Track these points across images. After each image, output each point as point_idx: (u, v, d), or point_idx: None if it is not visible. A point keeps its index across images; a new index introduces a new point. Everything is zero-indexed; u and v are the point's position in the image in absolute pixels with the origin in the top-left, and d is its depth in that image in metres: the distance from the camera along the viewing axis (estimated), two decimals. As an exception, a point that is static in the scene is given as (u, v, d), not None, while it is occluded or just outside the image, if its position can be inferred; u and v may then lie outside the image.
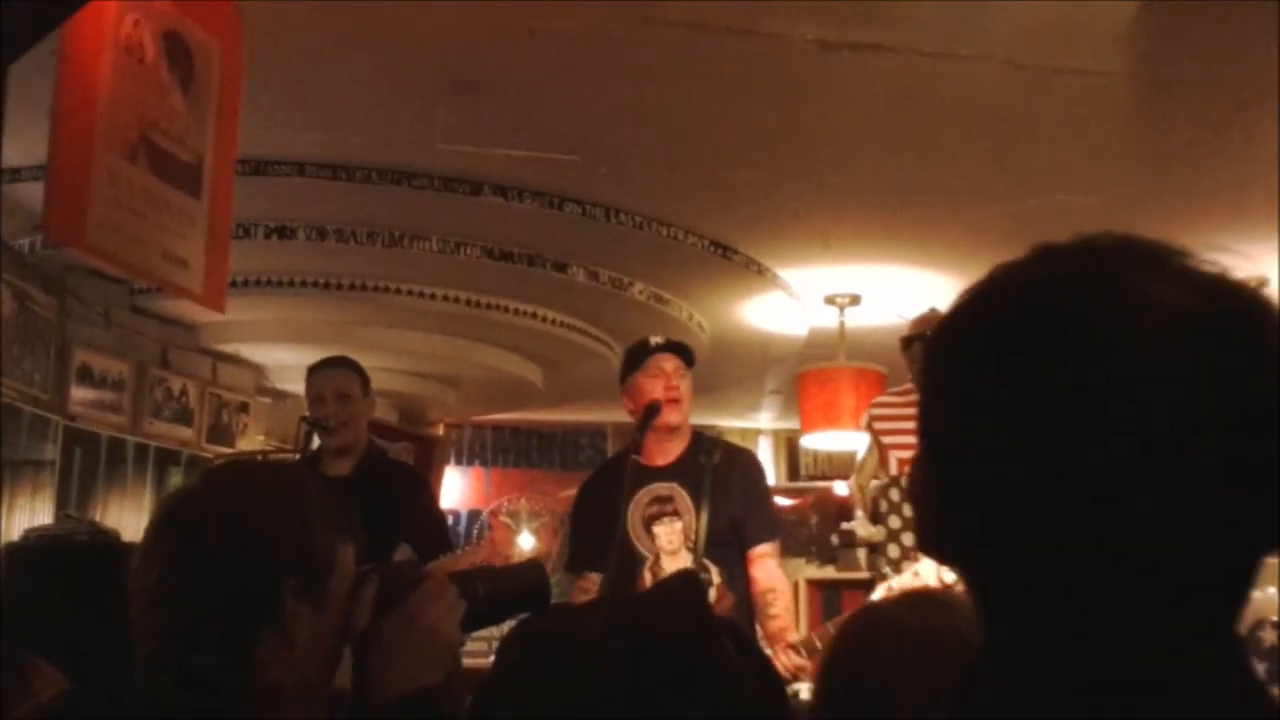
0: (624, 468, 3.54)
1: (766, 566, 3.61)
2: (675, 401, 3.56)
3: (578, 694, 0.84)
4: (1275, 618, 5.42)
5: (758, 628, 3.62)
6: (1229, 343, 0.73)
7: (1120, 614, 0.72)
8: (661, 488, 3.61)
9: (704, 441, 3.71)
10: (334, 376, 3.90)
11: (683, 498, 3.59)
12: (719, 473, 3.51)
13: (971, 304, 0.80)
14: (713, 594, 3.54)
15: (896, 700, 1.35)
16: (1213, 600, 0.74)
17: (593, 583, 3.55)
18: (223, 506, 1.42)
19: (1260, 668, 5.33)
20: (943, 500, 0.79)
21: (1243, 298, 0.75)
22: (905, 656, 1.33)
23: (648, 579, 3.57)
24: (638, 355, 3.66)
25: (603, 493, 3.64)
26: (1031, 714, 0.72)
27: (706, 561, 3.50)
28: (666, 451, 3.64)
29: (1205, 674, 0.72)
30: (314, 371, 3.95)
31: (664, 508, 3.60)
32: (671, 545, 3.58)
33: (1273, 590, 5.61)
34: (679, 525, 3.58)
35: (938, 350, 0.81)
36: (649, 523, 3.61)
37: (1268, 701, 0.74)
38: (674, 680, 0.86)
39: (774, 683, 0.94)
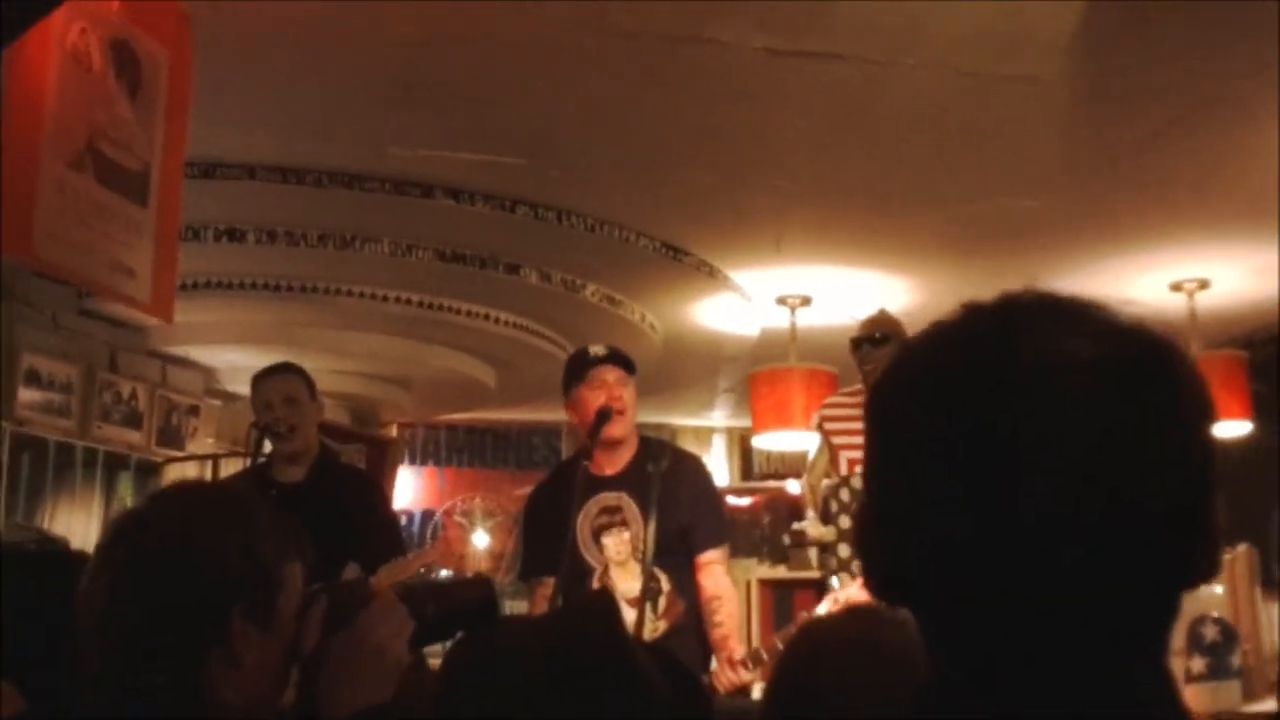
0: (574, 476, 3.52)
1: (714, 574, 3.61)
2: (619, 414, 3.55)
3: (506, 712, 0.87)
4: (1216, 614, 5.52)
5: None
6: (1145, 393, 0.77)
7: (1058, 658, 0.75)
8: (609, 498, 3.60)
9: (651, 447, 3.70)
10: (280, 382, 3.89)
11: (630, 507, 3.58)
12: (667, 480, 3.47)
13: (910, 360, 0.84)
14: (662, 602, 3.56)
15: (843, 707, 1.39)
16: (1144, 639, 0.77)
17: (549, 587, 3.52)
18: (169, 529, 1.43)
19: (1201, 663, 5.43)
20: (889, 549, 0.82)
21: (1158, 348, 0.79)
22: (850, 666, 1.37)
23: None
24: (579, 367, 3.65)
25: (552, 501, 3.64)
26: (973, 701, 0.76)
27: (655, 570, 3.48)
28: (614, 460, 3.63)
29: (1141, 712, 0.75)
30: (259, 379, 3.93)
31: (613, 518, 3.60)
32: (620, 556, 3.59)
33: (1216, 586, 5.72)
34: (627, 535, 3.58)
35: (880, 403, 0.85)
36: (597, 534, 3.61)
37: None
38: (595, 699, 0.89)
39: (696, 699, 0.97)
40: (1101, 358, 0.77)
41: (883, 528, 0.83)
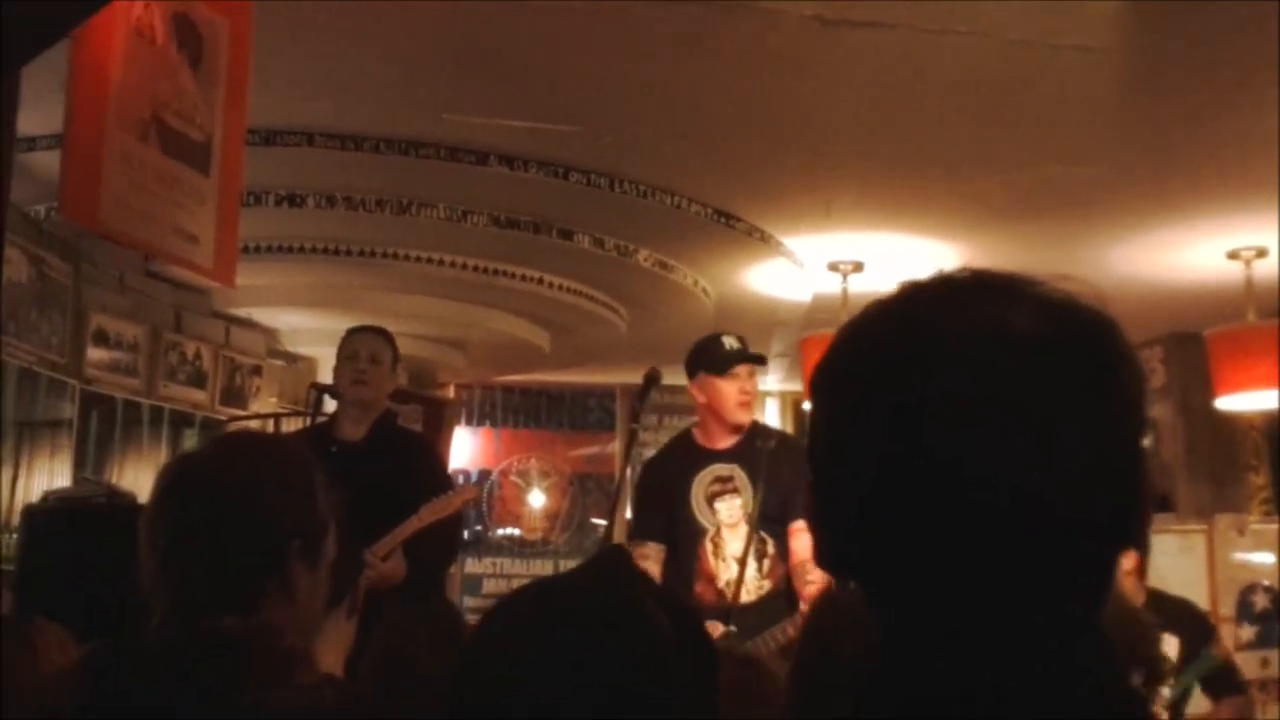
0: (687, 451, 4.00)
1: (804, 539, 3.82)
2: (747, 404, 3.96)
3: (516, 670, 0.94)
4: (1267, 582, 5.51)
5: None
6: (1080, 367, 0.80)
7: (994, 627, 0.79)
8: (723, 468, 3.96)
9: (760, 429, 4.09)
10: (371, 339, 4.01)
11: (741, 477, 3.92)
12: (774, 457, 3.83)
13: (849, 339, 0.87)
14: (767, 564, 3.90)
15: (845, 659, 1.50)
16: (1078, 602, 0.81)
17: (653, 550, 3.92)
18: (235, 470, 1.50)
19: (1250, 631, 5.42)
20: (834, 525, 0.86)
21: (1093, 323, 0.82)
22: (852, 629, 1.45)
23: (709, 549, 3.95)
24: (721, 360, 3.96)
25: (666, 471, 4.05)
26: (908, 670, 0.81)
27: (763, 535, 3.84)
28: (729, 437, 3.98)
29: (1075, 673, 0.79)
30: (353, 331, 4.04)
31: (725, 486, 3.95)
32: (731, 519, 3.93)
33: (1268, 555, 5.70)
34: (738, 502, 3.92)
35: (821, 381, 0.87)
36: (711, 499, 3.96)
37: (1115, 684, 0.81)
38: (597, 651, 0.95)
39: (702, 648, 1.03)
40: (1036, 333, 0.80)
41: (827, 504, 0.86)
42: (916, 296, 0.86)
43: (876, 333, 0.85)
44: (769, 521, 3.84)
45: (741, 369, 3.96)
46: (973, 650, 0.79)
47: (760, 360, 4.07)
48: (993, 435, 0.78)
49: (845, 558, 0.86)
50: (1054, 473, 0.78)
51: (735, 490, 3.94)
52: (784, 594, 3.86)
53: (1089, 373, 0.80)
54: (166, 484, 1.53)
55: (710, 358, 4.00)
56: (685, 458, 4.00)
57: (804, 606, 3.69)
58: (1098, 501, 0.79)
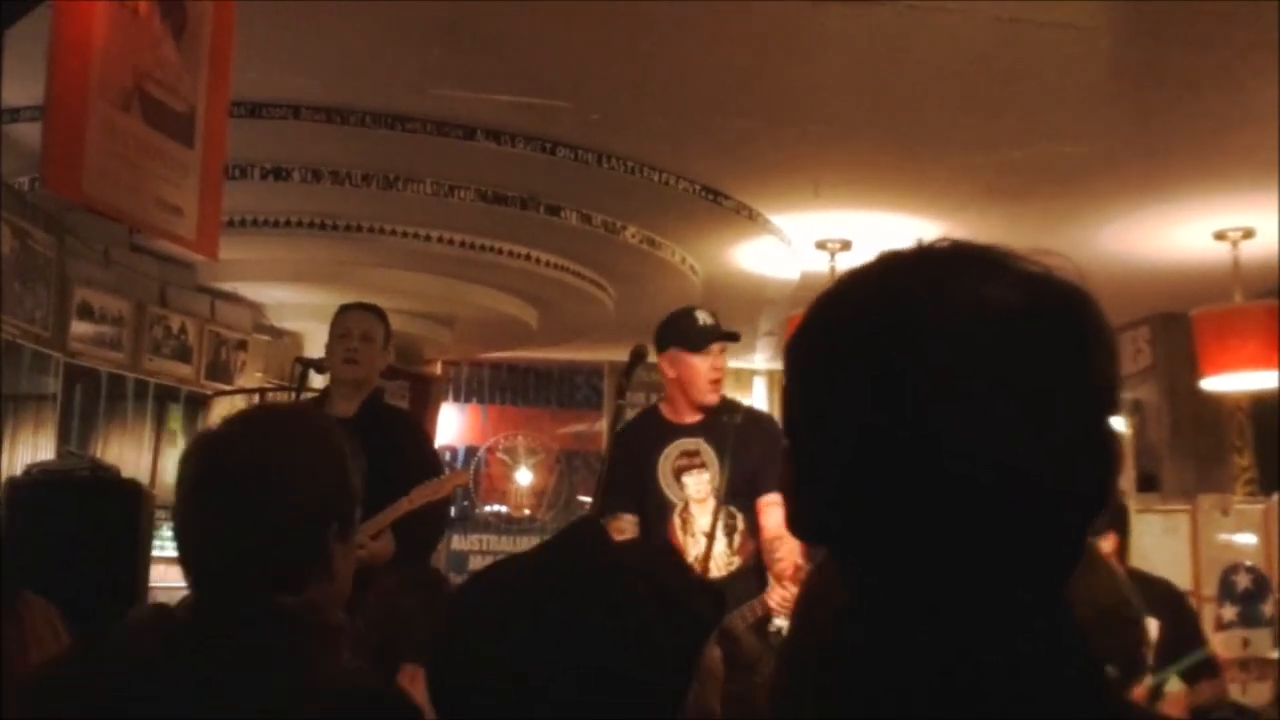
0: (654, 424, 3.95)
1: (774, 515, 3.80)
2: (717, 382, 3.89)
3: (496, 645, 0.94)
4: (1249, 562, 5.54)
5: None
6: (1063, 339, 0.80)
7: (961, 596, 0.79)
8: (689, 443, 3.92)
9: (726, 403, 4.00)
10: (364, 317, 3.98)
11: (708, 452, 3.88)
12: (741, 432, 3.79)
13: (826, 307, 0.86)
14: (737, 540, 3.86)
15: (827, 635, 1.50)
16: (1050, 578, 0.81)
17: (627, 523, 3.87)
18: (271, 456, 1.48)
19: (1232, 610, 5.46)
20: (808, 495, 0.86)
21: (1074, 296, 0.82)
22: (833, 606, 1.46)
23: (678, 523, 3.91)
24: (694, 336, 3.89)
25: (633, 445, 3.95)
26: (889, 644, 0.81)
27: (732, 509, 3.80)
28: (695, 411, 3.94)
29: (1016, 616, 0.79)
30: (346, 308, 4.01)
31: (692, 461, 3.92)
32: (700, 494, 3.89)
33: (1251, 535, 5.73)
34: (706, 476, 3.88)
35: (797, 348, 0.86)
36: (678, 474, 3.93)
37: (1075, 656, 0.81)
38: (578, 624, 0.94)
39: (684, 621, 1.03)
40: (1015, 305, 0.79)
41: (805, 471, 0.85)
42: (896, 266, 0.85)
43: (856, 300, 0.84)
44: (738, 497, 3.79)
45: (717, 347, 3.90)
46: (956, 625, 0.79)
47: (734, 338, 4.00)
48: (974, 408, 0.77)
49: (826, 526, 0.85)
50: (1036, 446, 0.77)
51: (702, 465, 3.89)
52: (755, 570, 3.82)
53: (1067, 346, 0.80)
54: (197, 470, 1.49)
55: (684, 333, 3.93)
56: (652, 432, 3.94)
57: (773, 585, 3.66)
58: (1079, 476, 0.79)
